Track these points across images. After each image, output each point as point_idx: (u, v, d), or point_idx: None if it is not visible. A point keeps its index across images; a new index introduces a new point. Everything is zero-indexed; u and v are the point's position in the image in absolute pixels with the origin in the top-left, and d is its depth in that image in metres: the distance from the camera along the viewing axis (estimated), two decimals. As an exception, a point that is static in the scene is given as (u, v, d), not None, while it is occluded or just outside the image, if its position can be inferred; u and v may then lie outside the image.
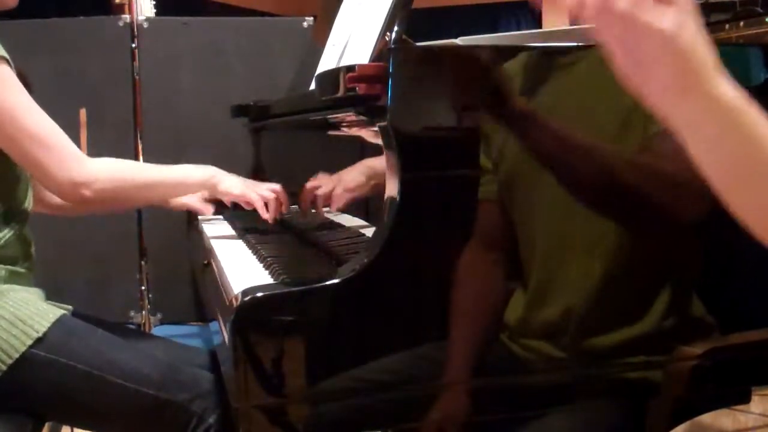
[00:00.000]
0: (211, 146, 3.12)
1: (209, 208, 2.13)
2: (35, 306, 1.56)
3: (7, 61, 1.56)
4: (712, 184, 0.77)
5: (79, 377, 1.51)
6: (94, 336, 1.59)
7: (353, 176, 1.63)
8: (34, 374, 1.50)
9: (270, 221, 1.94)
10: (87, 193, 1.63)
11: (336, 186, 1.71)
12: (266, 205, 1.93)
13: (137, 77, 3.10)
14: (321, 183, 1.81)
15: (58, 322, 1.55)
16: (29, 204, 1.71)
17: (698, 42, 0.71)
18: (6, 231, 1.63)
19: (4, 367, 1.47)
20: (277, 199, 1.94)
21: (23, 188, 1.69)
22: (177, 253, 2.86)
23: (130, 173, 1.77)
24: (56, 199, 1.83)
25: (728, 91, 0.72)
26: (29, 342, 1.49)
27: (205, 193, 2.04)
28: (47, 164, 1.59)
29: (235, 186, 1.94)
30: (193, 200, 2.12)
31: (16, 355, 1.48)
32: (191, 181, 1.91)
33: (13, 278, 1.62)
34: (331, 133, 1.77)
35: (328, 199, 1.76)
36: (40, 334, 1.50)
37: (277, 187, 1.97)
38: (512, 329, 1.34)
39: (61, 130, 1.63)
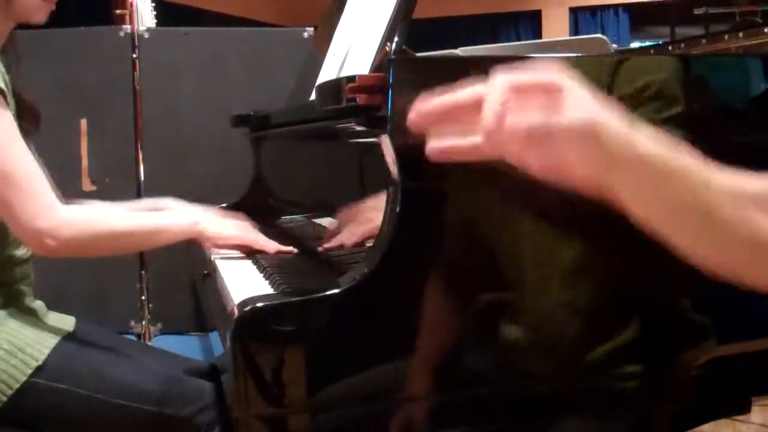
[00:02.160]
0: (211, 156, 3.13)
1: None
2: (34, 332, 1.55)
3: (2, 93, 1.51)
4: (673, 245, 0.77)
5: (80, 401, 1.51)
6: (93, 358, 1.59)
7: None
8: (36, 401, 1.49)
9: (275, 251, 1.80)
10: (51, 243, 1.52)
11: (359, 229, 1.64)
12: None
13: (138, 87, 3.10)
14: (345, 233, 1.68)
15: (58, 348, 1.54)
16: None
17: (607, 118, 0.72)
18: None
19: (4, 398, 1.47)
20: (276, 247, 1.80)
21: None
22: (177, 263, 2.86)
23: (102, 222, 1.62)
24: None
25: (651, 144, 0.72)
26: (29, 371, 1.49)
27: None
28: (13, 206, 1.50)
29: (226, 229, 1.80)
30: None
31: (17, 385, 1.48)
32: (173, 229, 1.73)
33: (12, 301, 1.61)
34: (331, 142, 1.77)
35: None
36: (40, 362, 1.50)
37: (272, 245, 1.81)
38: (512, 339, 1.34)
39: (39, 174, 1.54)
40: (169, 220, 1.76)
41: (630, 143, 0.72)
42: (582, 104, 0.71)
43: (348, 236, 1.61)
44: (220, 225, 1.79)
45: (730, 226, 0.74)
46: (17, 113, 1.60)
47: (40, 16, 1.69)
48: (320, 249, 1.66)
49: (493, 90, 0.72)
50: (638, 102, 1.28)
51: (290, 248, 1.79)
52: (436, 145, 0.75)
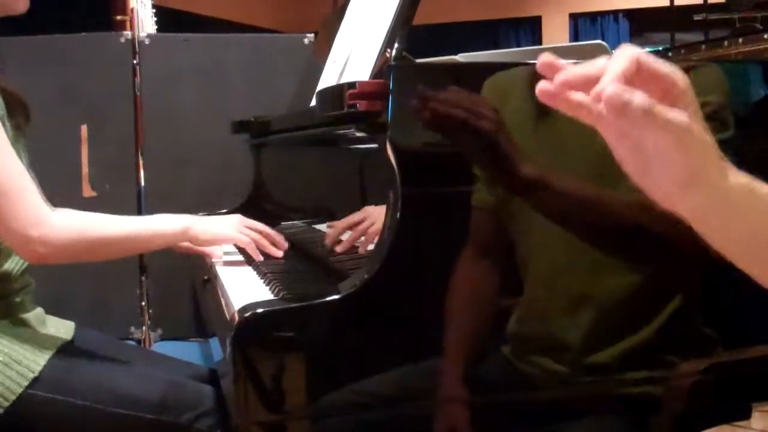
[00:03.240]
0: (211, 162, 3.12)
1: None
2: (31, 343, 1.54)
3: None
4: (739, 266, 0.77)
5: (78, 412, 1.50)
6: (91, 367, 1.58)
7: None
8: (34, 413, 1.48)
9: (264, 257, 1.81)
10: (42, 250, 1.52)
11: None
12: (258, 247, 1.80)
13: (138, 93, 3.10)
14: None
15: (54, 358, 1.53)
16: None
17: (705, 135, 0.70)
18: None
19: (1, 410, 1.46)
20: (268, 236, 1.83)
21: None
22: (177, 269, 2.86)
23: (92, 228, 1.62)
24: None
25: (734, 178, 0.72)
26: (26, 383, 1.48)
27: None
28: (2, 215, 1.48)
29: (221, 230, 1.81)
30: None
31: (13, 397, 1.46)
32: (166, 233, 1.74)
33: (9, 312, 1.61)
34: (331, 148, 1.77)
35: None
36: (36, 374, 1.49)
37: (261, 226, 1.86)
38: (515, 345, 1.34)
39: (29, 181, 1.52)
40: (162, 225, 1.75)
41: (721, 169, 0.71)
42: (690, 110, 0.70)
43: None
44: (213, 228, 1.80)
45: None
46: (7, 108, 1.58)
47: (22, 5, 1.68)
48: (337, 250, 1.63)
49: (619, 57, 0.70)
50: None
51: (283, 243, 1.81)
52: (548, 86, 0.72)
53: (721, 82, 1.40)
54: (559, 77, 0.71)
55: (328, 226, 1.77)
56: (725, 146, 1.28)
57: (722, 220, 0.74)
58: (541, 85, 0.72)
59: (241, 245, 1.81)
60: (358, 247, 1.55)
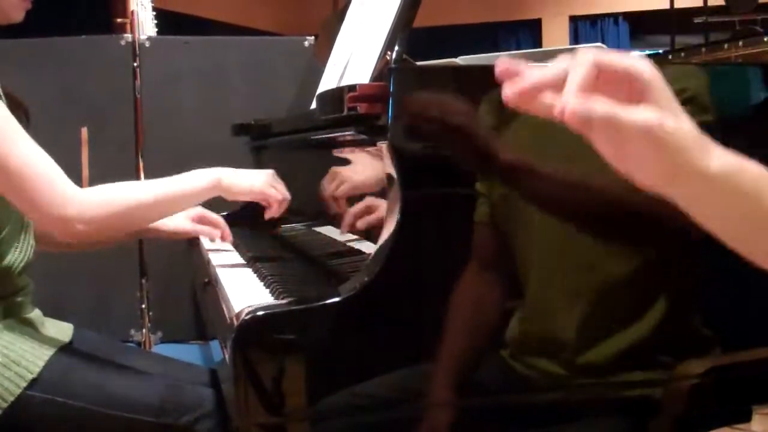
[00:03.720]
0: (211, 164, 3.10)
1: (213, 233, 2.02)
2: (29, 344, 1.54)
3: None
4: (722, 240, 0.77)
5: (77, 414, 1.49)
6: (90, 369, 1.58)
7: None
8: (32, 415, 1.48)
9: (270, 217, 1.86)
10: (80, 227, 1.52)
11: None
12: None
13: (138, 96, 3.11)
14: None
15: (53, 360, 1.53)
16: (24, 249, 1.66)
17: (681, 127, 0.70)
18: None
19: (0, 412, 1.47)
20: (282, 200, 1.85)
21: (14, 233, 1.63)
22: (178, 271, 2.86)
23: (123, 196, 1.63)
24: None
25: (720, 161, 0.71)
26: (24, 384, 1.47)
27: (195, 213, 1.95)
28: (35, 199, 1.49)
29: (253, 183, 1.83)
30: (186, 225, 2.02)
31: (11, 399, 1.46)
32: (199, 188, 1.75)
33: (8, 313, 1.60)
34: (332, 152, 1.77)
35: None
36: (34, 375, 1.48)
37: (287, 194, 1.88)
38: (513, 347, 1.34)
39: (50, 162, 1.53)
40: (192, 182, 1.77)
41: (704, 155, 0.71)
42: (661, 103, 0.69)
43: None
44: (245, 180, 1.82)
45: None
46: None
47: (17, 14, 1.68)
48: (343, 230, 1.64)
49: (577, 65, 0.70)
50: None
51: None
52: (513, 88, 0.73)
53: (697, 72, 1.43)
54: (519, 86, 0.72)
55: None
56: (706, 131, 1.28)
57: (711, 204, 0.73)
58: (506, 93, 0.73)
59: (271, 200, 1.83)
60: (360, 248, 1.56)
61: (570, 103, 0.68)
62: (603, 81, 0.70)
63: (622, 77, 0.70)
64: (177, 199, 1.75)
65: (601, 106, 0.67)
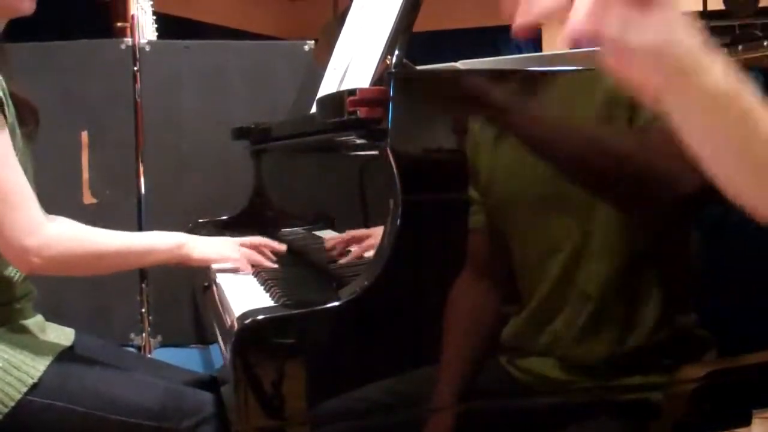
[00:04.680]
0: (212, 169, 3.13)
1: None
2: (30, 348, 1.54)
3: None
4: (710, 171, 0.77)
5: (78, 419, 1.49)
6: (90, 374, 1.58)
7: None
8: (33, 420, 1.48)
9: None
10: (36, 260, 1.50)
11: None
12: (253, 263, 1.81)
13: (139, 100, 3.10)
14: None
15: (53, 365, 1.53)
16: None
17: (684, 41, 0.72)
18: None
19: (0, 417, 1.46)
20: (260, 251, 1.83)
21: None
22: (178, 276, 2.86)
23: (87, 241, 1.61)
24: None
25: (717, 78, 0.73)
26: (24, 389, 1.47)
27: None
28: (1, 222, 1.47)
29: (211, 250, 1.81)
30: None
31: (12, 404, 1.46)
32: (160, 249, 1.74)
33: (10, 318, 1.60)
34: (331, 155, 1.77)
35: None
36: (35, 380, 1.48)
37: (257, 239, 1.87)
38: (512, 352, 1.34)
39: (27, 189, 1.51)
40: (156, 241, 1.76)
41: (702, 68, 0.72)
42: (664, 24, 0.71)
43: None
44: (205, 248, 1.79)
45: None
46: (18, 116, 1.58)
47: (28, 6, 1.66)
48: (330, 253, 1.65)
49: None
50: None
51: (280, 248, 1.82)
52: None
53: None
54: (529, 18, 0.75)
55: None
56: None
57: (702, 121, 0.75)
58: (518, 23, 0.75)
59: (233, 263, 1.80)
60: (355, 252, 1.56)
61: (578, 20, 0.71)
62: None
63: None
64: (137, 255, 1.73)
65: (608, 24, 0.70)
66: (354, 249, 1.57)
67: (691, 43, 0.72)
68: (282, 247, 1.85)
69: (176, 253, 1.75)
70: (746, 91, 0.74)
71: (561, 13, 0.73)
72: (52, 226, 1.55)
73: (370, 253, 1.43)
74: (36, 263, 1.52)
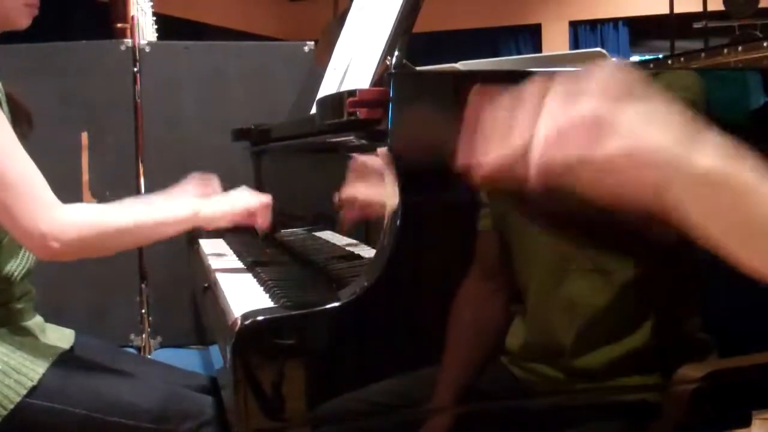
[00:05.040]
0: (212, 170, 3.10)
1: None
2: (29, 351, 1.54)
3: None
4: (718, 248, 0.74)
5: (77, 421, 1.49)
6: (90, 376, 1.58)
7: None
8: (32, 422, 1.47)
9: (263, 228, 1.87)
10: (55, 245, 1.49)
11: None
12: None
13: (139, 101, 3.11)
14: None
15: (53, 367, 1.53)
16: (25, 257, 1.66)
17: (655, 140, 0.69)
18: None
19: None
20: (265, 206, 1.85)
21: (14, 241, 1.61)
22: (177, 276, 2.86)
23: (105, 220, 1.59)
24: None
25: (712, 157, 0.70)
26: (24, 392, 1.47)
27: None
28: (14, 210, 1.47)
29: (222, 208, 1.81)
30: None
31: (11, 406, 1.46)
32: (176, 220, 1.71)
33: (9, 320, 1.60)
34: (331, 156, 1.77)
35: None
36: (34, 382, 1.48)
37: (263, 199, 1.88)
38: (513, 353, 1.34)
39: (39, 176, 1.51)
40: (171, 212, 1.73)
41: (688, 160, 0.69)
42: (629, 124, 0.69)
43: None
44: (222, 206, 1.80)
45: None
46: (12, 117, 1.58)
47: (24, 21, 1.66)
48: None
49: (547, 115, 0.71)
50: None
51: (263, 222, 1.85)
52: (484, 165, 0.73)
53: (693, 84, 1.40)
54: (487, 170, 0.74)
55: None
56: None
57: (711, 204, 0.71)
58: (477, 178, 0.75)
59: (255, 209, 1.83)
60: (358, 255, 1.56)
61: (534, 161, 0.69)
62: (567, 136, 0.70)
63: (582, 128, 0.70)
64: (156, 227, 1.71)
65: (560, 151, 0.68)
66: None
67: (667, 131, 0.70)
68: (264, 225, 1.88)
69: (195, 221, 1.75)
70: (743, 165, 0.71)
71: (519, 160, 0.72)
72: (66, 209, 1.53)
73: (370, 253, 1.44)
74: (56, 248, 1.49)
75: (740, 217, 0.72)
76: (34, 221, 1.48)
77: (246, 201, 1.84)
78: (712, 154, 0.70)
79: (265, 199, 1.86)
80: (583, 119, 0.70)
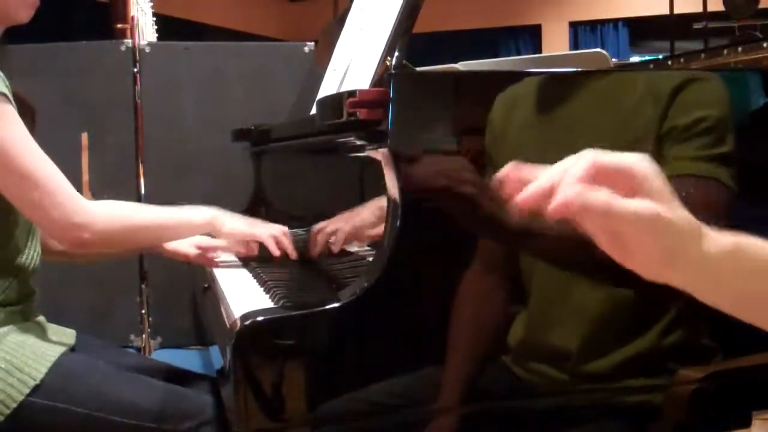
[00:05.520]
0: (212, 170, 3.13)
1: (211, 262, 1.99)
2: (32, 349, 1.54)
3: (7, 98, 1.51)
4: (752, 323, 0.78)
5: (79, 420, 1.50)
6: (92, 375, 1.58)
7: (364, 216, 1.60)
8: (34, 421, 1.48)
9: (281, 255, 1.86)
10: (86, 235, 1.57)
11: (344, 224, 1.67)
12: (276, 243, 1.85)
13: (138, 101, 3.11)
14: (329, 223, 1.75)
15: (55, 366, 1.53)
16: (31, 256, 1.67)
17: (675, 215, 0.72)
18: (3, 282, 1.60)
19: (2, 418, 1.46)
20: (286, 234, 1.87)
21: (21, 238, 1.65)
22: (177, 277, 2.86)
23: (129, 215, 1.72)
24: (59, 245, 1.72)
25: (716, 245, 0.73)
26: (26, 390, 1.47)
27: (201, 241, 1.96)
28: (43, 206, 1.53)
29: (240, 225, 1.89)
30: (189, 250, 1.99)
31: (14, 405, 1.46)
32: (193, 223, 1.84)
33: (12, 319, 1.60)
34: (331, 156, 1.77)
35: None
36: (37, 381, 1.48)
37: (284, 228, 1.91)
38: (515, 352, 1.34)
39: (58, 172, 1.57)
40: (191, 214, 1.84)
41: (699, 242, 0.73)
42: (654, 197, 0.72)
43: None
44: (234, 222, 1.88)
45: None
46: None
47: (25, 14, 1.68)
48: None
49: (578, 161, 0.73)
50: (690, 134, 1.29)
51: (291, 251, 1.84)
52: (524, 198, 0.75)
53: (721, 95, 1.38)
54: (528, 194, 0.74)
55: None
56: (722, 161, 1.28)
57: (711, 286, 0.76)
58: (518, 204, 0.75)
59: (260, 240, 1.86)
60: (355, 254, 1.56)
61: (567, 192, 0.70)
62: (600, 178, 0.72)
63: (618, 176, 0.72)
64: (175, 227, 1.83)
65: (597, 194, 0.70)
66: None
67: (682, 217, 0.73)
68: (293, 254, 1.87)
69: (208, 227, 1.86)
70: (747, 245, 0.75)
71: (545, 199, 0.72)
72: (93, 203, 1.63)
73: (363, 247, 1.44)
74: (87, 238, 1.57)
75: (743, 295, 0.77)
76: (67, 214, 1.55)
77: (255, 230, 1.89)
78: (716, 239, 0.74)
79: (275, 232, 1.88)
80: (624, 166, 0.72)
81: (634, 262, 0.75)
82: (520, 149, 1.35)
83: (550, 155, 1.31)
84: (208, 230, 1.85)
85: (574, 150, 0.75)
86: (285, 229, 1.89)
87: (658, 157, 1.24)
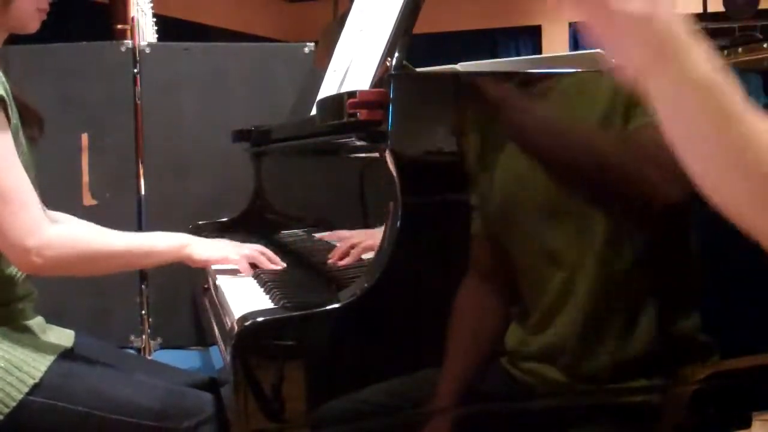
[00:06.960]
0: (212, 171, 3.13)
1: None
2: (31, 348, 1.54)
3: (2, 102, 1.50)
4: (690, 169, 0.78)
5: (78, 419, 1.50)
6: (91, 374, 1.58)
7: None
8: (34, 420, 1.48)
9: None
10: (37, 260, 1.52)
11: (356, 246, 1.62)
12: (252, 265, 1.78)
13: (139, 102, 3.11)
14: (342, 240, 1.70)
15: (54, 365, 1.54)
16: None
17: (671, 21, 0.74)
18: None
19: (1, 416, 1.46)
20: (262, 254, 1.80)
21: None
22: (178, 278, 2.86)
23: (87, 242, 1.63)
24: None
25: (703, 67, 0.74)
26: (26, 389, 1.48)
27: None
28: (3, 223, 1.49)
29: (212, 251, 1.79)
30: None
31: (13, 404, 1.46)
32: (161, 250, 1.74)
33: (11, 319, 1.60)
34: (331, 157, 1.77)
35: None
36: (36, 380, 1.49)
37: (259, 246, 1.84)
38: (512, 354, 1.34)
39: (29, 189, 1.53)
40: (158, 242, 1.76)
41: (688, 55, 0.74)
42: (659, 4, 0.73)
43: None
44: (207, 248, 1.79)
45: (750, 169, 0.75)
46: (21, 120, 1.59)
47: (34, 25, 1.70)
48: (330, 261, 1.65)
49: None
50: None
51: (279, 262, 1.80)
52: None
53: None
54: None
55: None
56: None
57: (684, 109, 0.75)
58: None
59: (233, 263, 1.79)
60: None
61: None
62: None
63: None
64: (139, 256, 1.75)
65: None
66: (354, 251, 1.58)
67: (677, 26, 0.74)
68: (280, 265, 1.81)
69: (178, 254, 1.75)
70: (732, 92, 0.75)
71: None
72: (52, 228, 1.56)
73: (369, 255, 1.44)
74: (37, 263, 1.53)
75: (699, 123, 0.75)
76: (21, 235, 1.50)
77: (229, 254, 1.80)
78: (704, 66, 0.74)
79: (248, 252, 1.81)
80: None
81: (625, 59, 0.77)
82: (511, 153, 1.35)
83: (541, 160, 1.32)
84: (177, 258, 1.75)
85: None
86: (259, 247, 1.83)
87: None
